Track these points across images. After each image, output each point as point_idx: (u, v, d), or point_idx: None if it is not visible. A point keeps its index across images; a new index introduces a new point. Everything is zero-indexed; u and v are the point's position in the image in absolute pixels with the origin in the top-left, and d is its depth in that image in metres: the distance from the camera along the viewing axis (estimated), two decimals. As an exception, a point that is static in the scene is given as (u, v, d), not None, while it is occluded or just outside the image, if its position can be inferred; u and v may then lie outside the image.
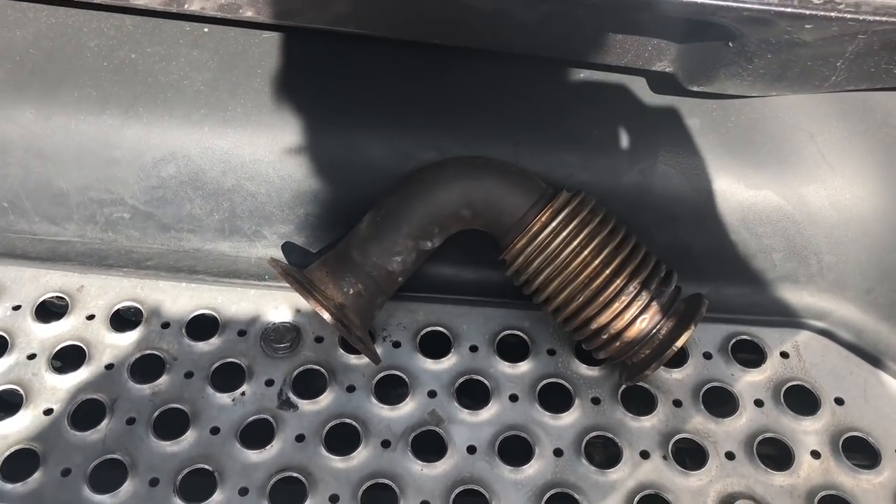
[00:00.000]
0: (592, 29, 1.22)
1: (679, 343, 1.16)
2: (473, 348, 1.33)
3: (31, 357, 1.28)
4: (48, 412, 1.23)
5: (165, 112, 1.35)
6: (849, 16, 0.95)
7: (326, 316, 1.13)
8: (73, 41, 1.38)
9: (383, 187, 1.29)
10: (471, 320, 1.36)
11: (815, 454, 1.23)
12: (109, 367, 1.28)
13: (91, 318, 1.33)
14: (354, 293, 1.19)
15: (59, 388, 1.25)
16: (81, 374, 1.27)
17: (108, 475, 1.17)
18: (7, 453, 1.18)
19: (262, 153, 1.35)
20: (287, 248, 1.38)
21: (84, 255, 1.38)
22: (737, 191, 1.33)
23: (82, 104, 1.34)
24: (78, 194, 1.36)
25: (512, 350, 1.33)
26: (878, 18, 0.95)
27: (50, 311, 1.37)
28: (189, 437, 1.21)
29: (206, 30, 1.39)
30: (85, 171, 1.35)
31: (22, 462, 1.18)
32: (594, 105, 1.37)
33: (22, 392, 1.24)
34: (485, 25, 1.26)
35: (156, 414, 1.23)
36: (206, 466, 1.18)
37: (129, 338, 1.31)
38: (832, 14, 0.96)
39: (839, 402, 1.29)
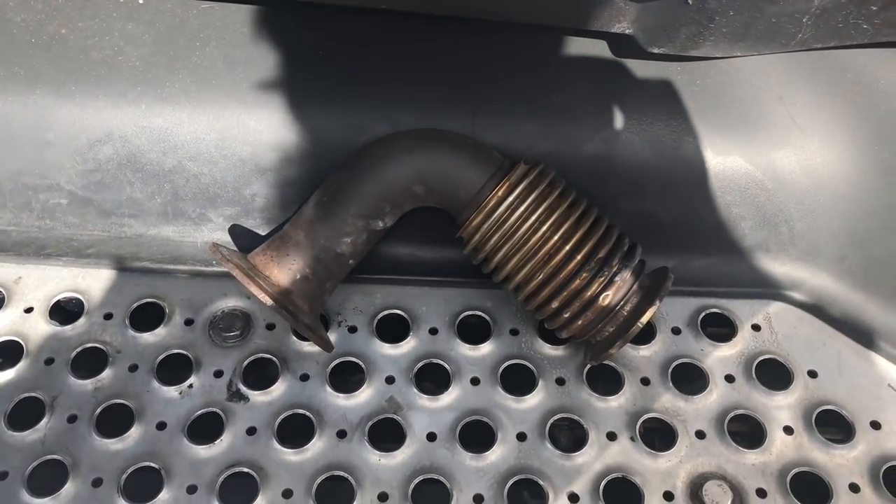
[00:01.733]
0: (547, -11, 1.15)
1: (644, 319, 1.11)
2: (433, 331, 1.27)
3: (-34, 354, 1.22)
4: (-17, 412, 1.16)
5: (100, 90, 1.27)
6: (813, -33, 0.89)
7: (269, 302, 1.07)
8: (-2, 17, 1.29)
9: (334, 163, 1.22)
10: (430, 301, 1.30)
11: (788, 430, 1.19)
12: (49, 361, 1.21)
13: (29, 310, 1.26)
14: (301, 278, 1.12)
15: (-6, 386, 1.19)
16: (19, 371, 1.20)
17: (48, 477, 1.11)
18: (-60, 457, 1.12)
19: (203, 131, 1.27)
20: (234, 231, 1.31)
21: (20, 245, 1.31)
22: (704, 157, 1.28)
23: (9, 84, 1.26)
24: (10, 181, 1.29)
25: (473, 331, 1.27)
26: (844, -30, 0.89)
27: (-15, 304, 1.30)
28: (134, 433, 1.15)
29: (140, 1, 1.31)
30: (16, 155, 1.28)
31: (-44, 466, 1.12)
32: (554, 72, 1.30)
33: (-45, 392, 1.17)
34: (435, -11, 1.19)
35: (98, 410, 1.17)
36: (152, 464, 1.12)
37: (70, 331, 1.24)
38: (795, -34, 0.89)
39: (812, 374, 1.24)
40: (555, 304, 1.13)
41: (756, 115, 1.27)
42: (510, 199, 1.12)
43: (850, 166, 1.26)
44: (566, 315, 1.14)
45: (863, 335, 1.27)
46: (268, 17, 1.31)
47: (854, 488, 1.14)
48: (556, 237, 1.12)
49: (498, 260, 1.15)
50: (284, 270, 1.11)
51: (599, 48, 1.29)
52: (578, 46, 1.30)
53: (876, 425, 1.19)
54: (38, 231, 1.31)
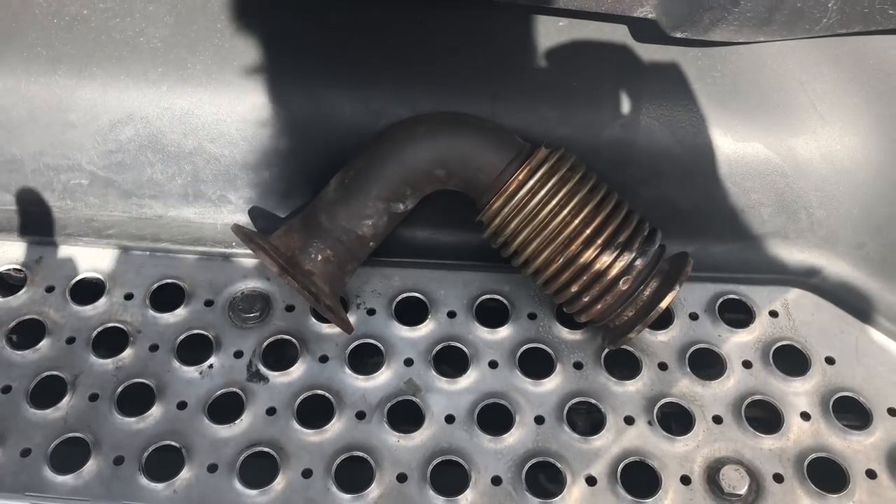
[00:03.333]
0: (570, -27, 1.14)
1: (664, 304, 1.11)
2: (451, 314, 1.28)
3: (-12, 332, 1.23)
4: (6, 390, 1.17)
5: (121, 71, 1.27)
6: (841, -49, 0.88)
7: (292, 284, 1.07)
8: (20, -3, 1.30)
9: (354, 147, 1.22)
10: (448, 285, 1.30)
11: (805, 416, 1.19)
12: (70, 341, 1.22)
13: (50, 290, 1.27)
14: (323, 259, 1.13)
15: (17, 365, 1.20)
16: (41, 350, 1.21)
17: (70, 454, 1.12)
18: (-36, 434, 1.13)
19: (224, 113, 1.28)
20: (254, 212, 1.32)
21: (41, 225, 1.32)
22: (724, 143, 1.28)
23: (32, 65, 1.27)
24: (32, 160, 1.30)
25: (491, 315, 1.28)
26: (872, -47, 0.88)
27: (7, 283, 1.31)
28: (155, 412, 1.16)
29: (162, -18, 1.31)
30: (38, 136, 1.29)
31: (-21, 442, 1.13)
32: (574, 56, 1.30)
33: (-22, 369, 1.19)
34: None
35: (120, 389, 1.18)
36: (173, 443, 1.13)
37: (91, 310, 1.25)
38: (823, -50, 0.89)
39: (830, 361, 1.24)
40: (574, 288, 1.14)
41: (777, 102, 1.27)
42: (531, 182, 1.12)
43: (870, 154, 1.25)
44: (585, 299, 1.14)
45: (881, 323, 1.27)
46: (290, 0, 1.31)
47: (871, 474, 1.14)
48: (576, 221, 1.12)
49: (518, 243, 1.15)
50: (307, 252, 1.12)
51: (620, 33, 1.29)
52: (599, 31, 1.29)
53: (893, 412, 1.19)
54: (58, 211, 1.32)
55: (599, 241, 1.12)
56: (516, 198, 1.13)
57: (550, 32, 1.30)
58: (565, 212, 1.12)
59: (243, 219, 1.32)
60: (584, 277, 1.12)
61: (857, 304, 1.29)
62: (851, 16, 1.02)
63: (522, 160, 1.14)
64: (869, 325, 1.27)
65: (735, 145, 1.28)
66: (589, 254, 1.12)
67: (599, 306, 1.14)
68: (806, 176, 1.28)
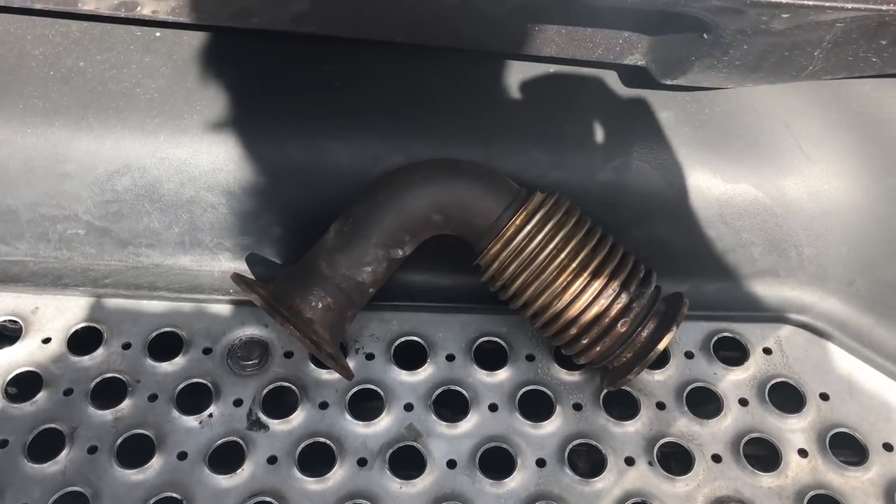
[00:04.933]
0: (561, 22, 1.17)
1: (661, 345, 1.13)
2: (450, 357, 1.28)
3: (-16, 385, 1.22)
4: (3, 444, 1.16)
5: (118, 122, 1.28)
6: (826, 3, 0.91)
7: (294, 333, 1.08)
8: (16, 49, 1.31)
9: (350, 193, 1.23)
10: (446, 328, 1.31)
11: (803, 452, 1.20)
12: (68, 392, 1.22)
13: (47, 341, 1.27)
14: (323, 307, 1.13)
15: (14, 418, 1.19)
16: (38, 402, 1.20)
17: (69, 509, 1.11)
18: (-39, 490, 1.12)
19: (221, 162, 1.29)
20: (251, 259, 1.32)
21: (37, 276, 1.31)
22: (714, 185, 1.30)
23: (28, 116, 1.27)
24: (28, 211, 1.30)
25: (490, 357, 1.29)
26: (855, 6, 0.92)
27: (2, 335, 1.30)
28: (155, 464, 1.16)
29: (157, 34, 1.33)
30: (34, 186, 1.29)
31: (-24, 499, 1.12)
32: (566, 102, 1.32)
33: (-25, 424, 1.17)
34: (451, 22, 1.21)
35: (119, 441, 1.17)
36: (174, 494, 1.13)
37: (89, 361, 1.25)
38: (808, 2, 0.92)
39: (824, 397, 1.26)
40: (573, 331, 1.15)
41: (764, 143, 1.30)
42: (528, 227, 1.14)
43: (857, 192, 1.29)
44: (584, 341, 1.15)
45: (872, 358, 1.29)
46: (284, 49, 1.33)
47: (870, 510, 1.15)
48: (573, 264, 1.13)
49: (516, 287, 1.16)
50: (307, 300, 1.13)
51: (611, 79, 1.32)
52: (590, 77, 1.32)
53: (888, 447, 1.21)
54: (55, 261, 1.32)
55: (597, 284, 1.13)
56: (514, 242, 1.14)
57: (542, 79, 1.33)
58: (562, 255, 1.13)
59: (240, 266, 1.32)
60: (583, 320, 1.14)
61: (849, 341, 1.31)
62: (836, 63, 1.05)
63: (519, 205, 1.16)
64: (861, 361, 1.29)
65: (725, 186, 1.30)
66: (587, 297, 1.13)
67: (598, 348, 1.16)
68: (795, 215, 1.31)
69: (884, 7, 0.91)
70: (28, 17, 1.32)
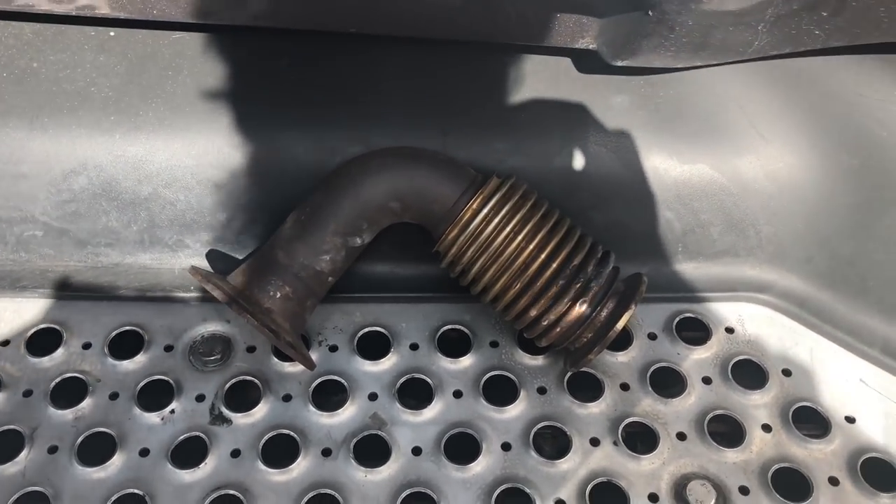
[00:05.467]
0: (512, 7, 1.18)
1: (620, 324, 1.13)
2: (414, 346, 1.28)
3: (-58, 390, 1.20)
4: (-39, 447, 1.15)
5: (73, 121, 1.28)
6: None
7: (252, 322, 1.07)
8: (-32, 52, 1.30)
9: (309, 186, 1.23)
10: (409, 318, 1.31)
11: (766, 427, 1.21)
12: (27, 394, 1.20)
13: (5, 343, 1.25)
14: (282, 297, 1.13)
15: (-28, 421, 1.17)
16: (-3, 404, 1.19)
17: (29, 509, 1.10)
18: (-83, 495, 1.10)
19: (178, 158, 1.29)
20: (212, 255, 1.32)
21: (-5, 279, 1.30)
22: (670, 166, 1.31)
23: (-18, 118, 1.26)
24: (-16, 215, 1.29)
25: (454, 345, 1.29)
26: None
27: (-40, 339, 1.29)
28: (116, 461, 1.14)
29: (112, 33, 1.32)
30: (-10, 189, 1.28)
31: (-65, 503, 1.10)
32: (521, 89, 1.33)
33: (-69, 428, 1.16)
34: (404, 11, 1.21)
35: (80, 440, 1.16)
36: (137, 491, 1.11)
37: (48, 362, 1.24)
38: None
39: (786, 373, 1.27)
40: (533, 313, 1.15)
41: (718, 124, 1.31)
42: (485, 211, 1.14)
43: (811, 170, 1.30)
44: (544, 323, 1.16)
45: (833, 333, 1.30)
46: (238, 44, 1.33)
47: (833, 481, 1.16)
48: (531, 247, 1.14)
49: (475, 272, 1.17)
50: (265, 290, 1.12)
51: (564, 65, 1.33)
52: (544, 64, 1.33)
53: (850, 419, 1.22)
54: (12, 264, 1.31)
55: (554, 265, 1.14)
56: (471, 226, 1.15)
57: (497, 67, 1.33)
58: (519, 238, 1.14)
59: (201, 262, 1.31)
60: (542, 301, 1.14)
61: (809, 317, 1.32)
62: (781, 37, 1.07)
63: (475, 190, 1.16)
64: (822, 336, 1.30)
65: (681, 167, 1.32)
66: (545, 278, 1.14)
67: (558, 329, 1.16)
68: (752, 194, 1.32)
69: (819, -24, 0.92)
70: (-21, 20, 1.32)
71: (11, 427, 1.16)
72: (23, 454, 1.14)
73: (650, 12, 1.04)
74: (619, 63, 1.18)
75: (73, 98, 1.28)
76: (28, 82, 1.29)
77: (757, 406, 1.23)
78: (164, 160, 1.28)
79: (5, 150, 1.27)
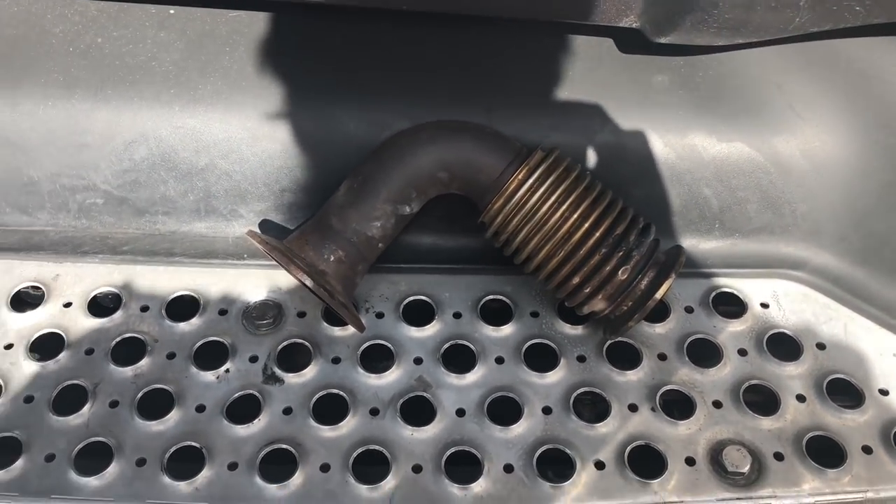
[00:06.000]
0: (558, -13, 1.23)
1: (660, 293, 1.17)
2: (457, 315, 1.33)
3: (9, 347, 1.26)
4: (28, 399, 1.20)
5: (134, 94, 1.34)
6: (808, -50, 0.97)
7: (308, 282, 1.12)
8: (38, 28, 1.36)
9: (358, 159, 1.28)
10: (453, 288, 1.35)
11: (801, 398, 1.24)
12: (89, 352, 1.26)
13: (68, 305, 1.31)
14: (335, 260, 1.18)
15: (38, 376, 1.23)
16: (61, 361, 1.25)
17: (93, 458, 1.15)
18: (-11, 443, 1.16)
19: (234, 131, 1.34)
20: (264, 225, 1.37)
21: (58, 244, 1.36)
22: (709, 144, 1.35)
23: (49, 90, 1.33)
24: (49, 182, 1.35)
25: (495, 315, 1.33)
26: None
27: (25, 301, 1.35)
28: (174, 416, 1.20)
29: (171, 11, 1.38)
30: (55, 157, 1.34)
31: (4, 450, 1.15)
32: (565, 67, 1.38)
33: (1, 382, 1.22)
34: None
35: (139, 395, 1.21)
36: (194, 443, 1.17)
37: (108, 322, 1.30)
38: (792, -50, 0.97)
39: (821, 346, 1.30)
40: (575, 280, 1.19)
41: (757, 104, 1.35)
42: (530, 181, 1.19)
43: (847, 149, 1.33)
44: (587, 290, 1.20)
45: (866, 309, 1.33)
46: (292, 22, 1.38)
47: (867, 450, 1.18)
48: (574, 216, 1.18)
49: (519, 241, 1.21)
50: (320, 253, 1.17)
51: (607, 45, 1.37)
52: (587, 44, 1.37)
53: (884, 392, 1.25)
54: (74, 230, 1.37)
55: (597, 235, 1.18)
56: (516, 196, 1.19)
57: (541, 46, 1.38)
58: (563, 208, 1.18)
59: (254, 230, 1.36)
60: (585, 269, 1.18)
61: (843, 293, 1.35)
62: (822, 14, 1.10)
63: (521, 161, 1.20)
64: (856, 312, 1.33)
65: (719, 146, 1.35)
66: (587, 247, 1.18)
67: (600, 296, 1.20)
68: (788, 173, 1.35)
69: (862, -49, 0.96)
70: (48, -3, 1.38)
71: (75, 382, 1.22)
72: (86, 407, 1.20)
73: (695, -12, 1.08)
74: (662, 41, 1.22)
75: (134, 72, 1.34)
76: (93, 56, 1.35)
77: (791, 377, 1.26)
78: (221, 132, 1.34)
79: (70, 121, 1.33)
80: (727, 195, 1.36)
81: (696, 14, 1.12)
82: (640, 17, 1.22)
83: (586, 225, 1.18)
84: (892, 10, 1.09)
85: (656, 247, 1.22)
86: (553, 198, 1.18)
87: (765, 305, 1.35)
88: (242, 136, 1.34)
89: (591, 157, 1.34)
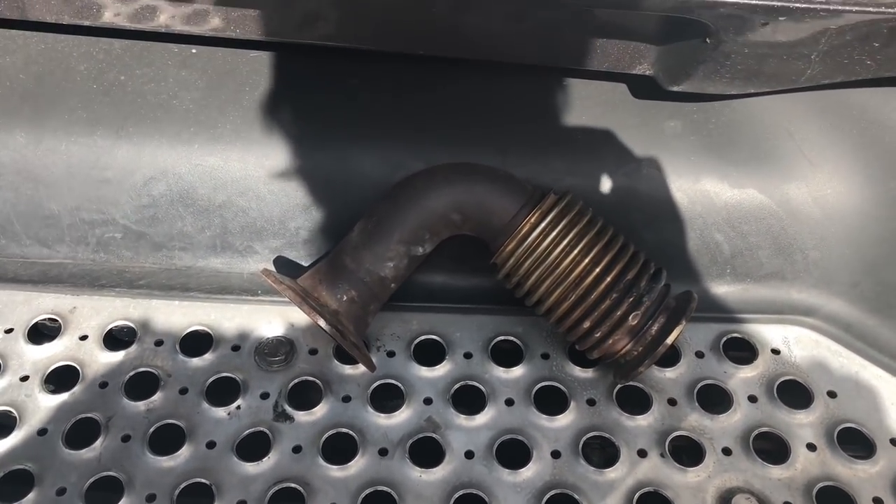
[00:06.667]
0: (574, 34, 1.24)
1: (671, 338, 1.17)
2: (468, 355, 1.33)
3: (24, 379, 1.28)
4: (42, 432, 1.22)
5: (155, 131, 1.36)
6: (820, 7, 0.98)
7: (321, 322, 1.13)
8: (63, 65, 1.40)
9: (374, 198, 1.30)
10: (464, 328, 1.36)
11: (811, 447, 1.24)
12: (103, 385, 1.28)
13: (84, 338, 1.33)
14: (348, 300, 1.19)
15: (52, 408, 1.24)
16: (75, 394, 1.26)
17: (104, 493, 1.16)
18: (1, 474, 1.17)
19: (252, 169, 1.36)
20: (279, 262, 1.39)
21: (76, 277, 1.39)
22: (720, 190, 1.36)
23: (73, 126, 1.36)
24: (69, 216, 1.37)
25: (506, 356, 1.33)
26: (847, 8, 0.98)
27: (42, 333, 1.37)
28: (185, 452, 1.21)
29: (193, 51, 1.42)
30: (76, 192, 1.36)
31: (16, 483, 1.17)
32: (578, 111, 1.39)
33: (15, 413, 1.23)
34: (469, 35, 1.29)
35: (151, 430, 1.22)
36: (204, 480, 1.17)
37: (123, 356, 1.31)
38: (804, 6, 0.99)
39: (832, 395, 1.30)
40: (586, 325, 1.20)
41: (768, 150, 1.36)
42: (542, 225, 1.20)
43: (859, 196, 1.34)
44: (597, 335, 1.20)
45: (878, 357, 1.32)
46: (311, 63, 1.41)
47: (878, 502, 1.18)
48: (586, 260, 1.19)
49: (531, 284, 1.22)
50: (333, 293, 1.19)
51: (620, 90, 1.39)
52: (600, 89, 1.39)
53: (895, 442, 1.24)
54: (92, 263, 1.39)
55: (609, 279, 1.19)
56: (529, 239, 1.20)
57: (555, 90, 1.40)
58: (575, 252, 1.19)
59: (269, 268, 1.38)
60: (596, 314, 1.19)
61: (854, 341, 1.35)
62: (833, 67, 1.11)
63: (534, 205, 1.22)
64: (867, 360, 1.33)
65: (731, 191, 1.36)
66: (599, 291, 1.18)
67: (610, 342, 1.20)
68: (800, 219, 1.36)
69: (872, 9, 0.97)
70: (74, 36, 1.42)
71: (89, 415, 1.23)
72: (98, 441, 1.21)
73: (707, 40, 1.10)
74: (675, 88, 1.24)
75: (156, 109, 1.37)
76: (115, 94, 1.38)
77: (802, 425, 1.26)
78: (239, 170, 1.36)
79: (92, 157, 1.36)
80: (739, 241, 1.37)
81: (708, 64, 1.14)
82: (653, 66, 1.24)
83: (597, 270, 1.19)
84: (904, 64, 1.11)
85: (667, 292, 1.23)
86: (565, 242, 1.19)
87: (776, 352, 1.35)
88: (259, 174, 1.36)
89: (604, 201, 1.35)
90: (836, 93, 1.30)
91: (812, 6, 0.98)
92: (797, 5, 0.98)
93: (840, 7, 0.98)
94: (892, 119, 1.29)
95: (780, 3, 0.98)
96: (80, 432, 1.22)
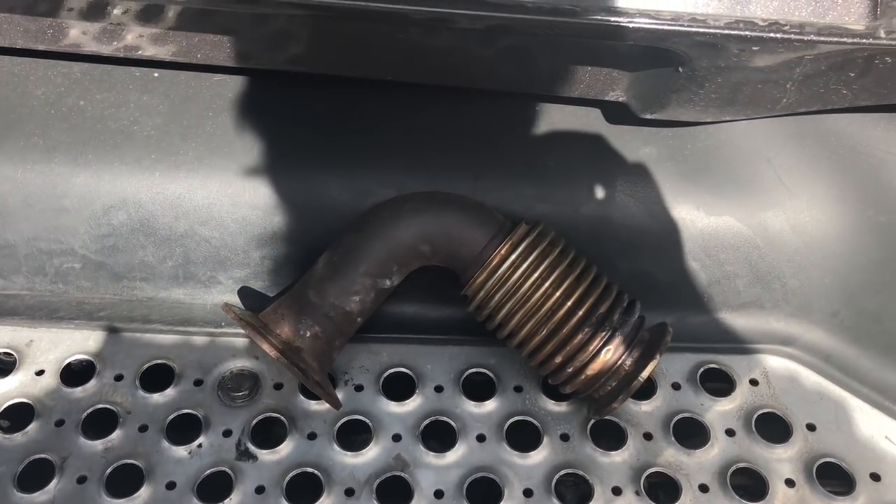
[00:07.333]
0: (546, 61, 1.21)
1: (645, 374, 1.14)
2: (438, 388, 1.29)
3: (-24, 417, 1.23)
4: (-7, 474, 1.17)
5: (115, 158, 1.32)
6: (794, 37, 0.95)
7: (281, 360, 1.09)
8: (19, 90, 1.35)
9: (342, 226, 1.26)
10: (435, 359, 1.32)
11: (790, 482, 1.20)
12: (59, 423, 1.23)
13: (40, 373, 1.28)
14: (311, 335, 1.15)
15: (4, 448, 1.19)
16: (29, 433, 1.21)
17: (57, 538, 1.12)
18: (-52, 520, 1.12)
19: (215, 197, 1.32)
20: (243, 292, 1.35)
21: (33, 309, 1.34)
22: (697, 218, 1.33)
23: (29, 153, 1.31)
24: (26, 246, 1.32)
25: (478, 388, 1.30)
26: (821, 39, 0.96)
27: (-3, 367, 1.32)
28: (143, 493, 1.16)
29: (156, 74, 1.37)
30: (33, 221, 1.32)
31: (-36, 529, 1.12)
32: (551, 138, 1.36)
33: (-34, 454, 1.19)
34: (440, 61, 1.25)
35: (108, 471, 1.17)
36: (162, 524, 1.13)
37: (81, 392, 1.26)
38: (778, 36, 0.96)
39: (811, 428, 1.27)
40: (558, 360, 1.16)
41: (745, 177, 1.33)
42: (513, 257, 1.16)
43: (838, 224, 1.31)
44: (569, 370, 1.17)
45: (858, 388, 1.30)
46: (277, 88, 1.37)
47: (858, 540, 1.15)
48: (557, 293, 1.15)
49: (502, 317, 1.18)
50: (295, 328, 1.15)
51: (594, 115, 1.36)
52: (574, 114, 1.36)
53: (875, 477, 1.21)
54: (50, 295, 1.34)
55: (581, 313, 1.15)
56: (499, 271, 1.17)
57: (528, 116, 1.37)
58: (547, 284, 1.16)
59: (233, 299, 1.34)
60: (568, 348, 1.15)
61: (834, 371, 1.32)
62: (809, 96, 1.09)
63: (504, 235, 1.18)
64: (847, 392, 1.30)
65: (707, 219, 1.33)
66: (571, 325, 1.15)
67: (583, 377, 1.17)
68: (777, 247, 1.33)
69: (847, 40, 0.95)
70: (32, 59, 1.37)
71: (43, 456, 1.19)
72: (52, 483, 1.16)
73: (680, 69, 1.07)
74: (648, 116, 1.21)
75: (116, 136, 1.33)
76: (74, 119, 1.33)
77: (780, 460, 1.23)
78: (202, 198, 1.32)
79: (49, 185, 1.31)
80: (716, 269, 1.34)
81: (681, 93, 1.11)
82: (626, 93, 1.21)
83: (569, 303, 1.15)
84: (879, 94, 1.08)
85: (641, 325, 1.20)
86: (536, 274, 1.16)
87: (754, 383, 1.32)
88: (223, 203, 1.32)
89: (577, 229, 1.32)
90: (815, 119, 1.27)
91: (786, 36, 0.95)
92: (771, 35, 0.95)
93: (814, 38, 0.95)
94: (871, 146, 1.26)
95: (753, 34, 0.96)
96: (33, 474, 1.17)
